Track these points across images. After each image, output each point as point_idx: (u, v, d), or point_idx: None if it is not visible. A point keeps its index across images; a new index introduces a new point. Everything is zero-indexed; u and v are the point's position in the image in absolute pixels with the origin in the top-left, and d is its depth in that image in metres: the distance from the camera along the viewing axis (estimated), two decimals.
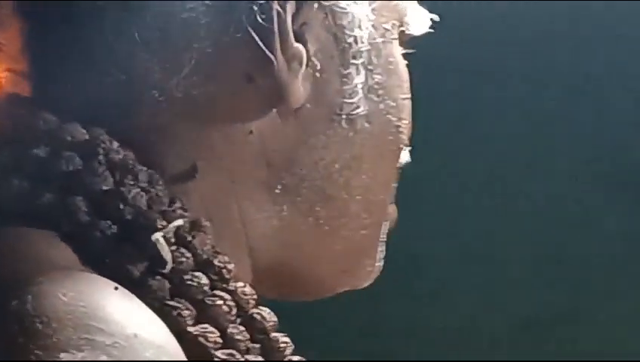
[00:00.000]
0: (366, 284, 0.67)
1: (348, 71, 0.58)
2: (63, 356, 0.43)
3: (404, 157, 0.66)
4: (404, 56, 0.62)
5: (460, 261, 2.30)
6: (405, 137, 0.63)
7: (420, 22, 0.65)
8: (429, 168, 1.97)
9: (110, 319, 0.45)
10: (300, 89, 0.56)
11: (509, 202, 2.33)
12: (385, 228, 0.64)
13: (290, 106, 0.56)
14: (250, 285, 0.56)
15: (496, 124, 2.30)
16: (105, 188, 0.52)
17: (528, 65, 2.36)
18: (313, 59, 0.57)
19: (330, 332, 2.20)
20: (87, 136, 0.53)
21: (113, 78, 0.55)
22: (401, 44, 0.63)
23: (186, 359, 0.49)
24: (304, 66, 0.56)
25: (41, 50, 0.57)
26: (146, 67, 0.55)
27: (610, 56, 2.34)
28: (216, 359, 0.53)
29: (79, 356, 0.43)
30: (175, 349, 0.49)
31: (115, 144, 0.53)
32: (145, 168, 0.54)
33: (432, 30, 0.65)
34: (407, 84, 0.63)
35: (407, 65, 0.62)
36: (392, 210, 0.66)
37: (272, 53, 0.54)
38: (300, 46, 0.56)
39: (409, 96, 0.63)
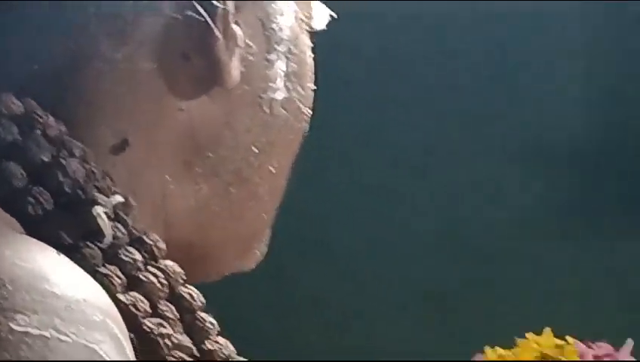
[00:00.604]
0: (252, 267, 0.71)
1: (271, 56, 0.62)
2: (18, 317, 0.45)
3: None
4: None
5: (366, 236, 2.43)
6: (303, 128, 0.67)
7: (321, 18, 0.69)
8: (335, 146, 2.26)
9: (62, 283, 0.48)
10: (236, 69, 0.59)
11: (418, 176, 2.47)
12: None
13: (226, 86, 0.58)
14: None
15: (407, 103, 2.50)
16: (45, 159, 0.54)
17: (438, 49, 2.54)
18: (247, 41, 0.60)
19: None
20: (22, 109, 0.56)
21: (59, 47, 0.57)
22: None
23: (124, 324, 0.52)
24: (239, 48, 0.60)
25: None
26: (93, 36, 0.57)
27: (523, 36, 2.53)
28: (145, 327, 0.55)
29: (34, 318, 0.45)
30: (116, 314, 0.51)
31: (51, 118, 0.56)
32: (79, 143, 0.56)
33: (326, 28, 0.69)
34: (313, 75, 0.67)
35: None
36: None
37: (214, 30, 0.57)
38: (237, 27, 0.59)
39: (314, 87, 0.67)
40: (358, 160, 2.55)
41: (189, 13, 0.57)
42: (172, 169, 0.61)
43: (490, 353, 1.51)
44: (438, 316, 2.50)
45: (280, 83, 0.64)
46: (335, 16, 0.69)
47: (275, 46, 0.63)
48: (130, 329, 0.55)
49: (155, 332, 0.57)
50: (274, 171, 0.65)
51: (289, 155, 0.68)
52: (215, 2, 0.59)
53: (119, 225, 0.56)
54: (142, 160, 0.60)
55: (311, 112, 0.67)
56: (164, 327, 0.57)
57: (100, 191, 0.56)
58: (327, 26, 0.71)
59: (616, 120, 2.54)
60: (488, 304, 2.36)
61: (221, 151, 0.62)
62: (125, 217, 0.57)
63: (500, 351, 1.51)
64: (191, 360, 0.60)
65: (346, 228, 2.51)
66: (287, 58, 0.64)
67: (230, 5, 0.59)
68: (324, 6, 0.70)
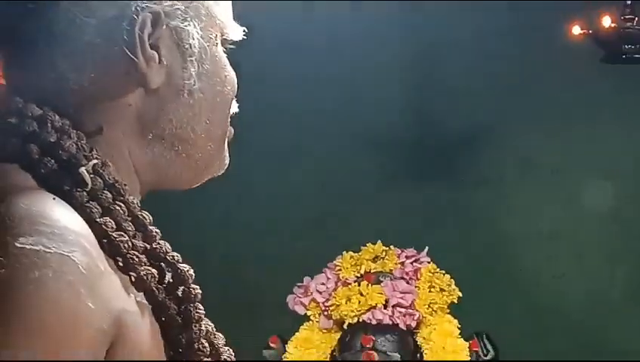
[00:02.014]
0: (222, 172, 1.02)
1: (185, 65, 0.91)
2: (20, 239, 0.72)
3: (234, 107, 1.02)
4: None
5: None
6: (230, 97, 0.98)
7: (236, 31, 1.00)
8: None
9: (50, 217, 0.75)
10: (155, 77, 0.88)
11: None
12: (228, 139, 1.00)
13: (151, 87, 0.88)
14: (141, 195, 0.93)
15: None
16: (52, 140, 0.84)
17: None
18: (163, 59, 0.88)
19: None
20: (40, 112, 0.85)
21: (51, 75, 0.87)
22: (224, 45, 0.98)
23: (97, 245, 0.80)
24: (157, 63, 0.88)
25: (11, 60, 0.91)
26: (64, 67, 0.86)
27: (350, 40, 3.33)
28: (112, 238, 0.84)
29: (30, 239, 0.72)
30: (88, 234, 0.80)
31: (57, 116, 0.85)
32: (75, 130, 0.85)
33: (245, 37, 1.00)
34: (227, 66, 0.98)
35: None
36: (229, 129, 1.02)
37: (137, 58, 0.86)
38: (154, 52, 0.87)
39: (230, 73, 0.98)
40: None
41: (124, 47, 0.86)
42: (132, 139, 0.91)
43: (346, 256, 2.49)
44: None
45: (194, 79, 0.93)
46: (246, 30, 1.02)
47: (189, 58, 0.92)
48: (101, 239, 0.83)
49: (118, 240, 0.84)
50: (207, 123, 0.95)
51: (219, 114, 0.98)
52: (137, 33, 0.87)
53: (98, 178, 0.84)
54: (113, 137, 0.89)
55: (230, 88, 0.97)
56: (124, 236, 0.85)
57: (86, 158, 0.84)
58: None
59: (424, 111, 3.33)
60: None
61: (161, 124, 0.92)
62: (102, 172, 0.85)
63: (351, 253, 2.49)
64: (144, 256, 0.89)
65: None
66: (199, 63, 0.93)
67: (146, 35, 0.87)
68: (236, 24, 1.00)
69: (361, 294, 2.61)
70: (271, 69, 3.33)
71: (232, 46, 1.04)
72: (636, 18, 2.67)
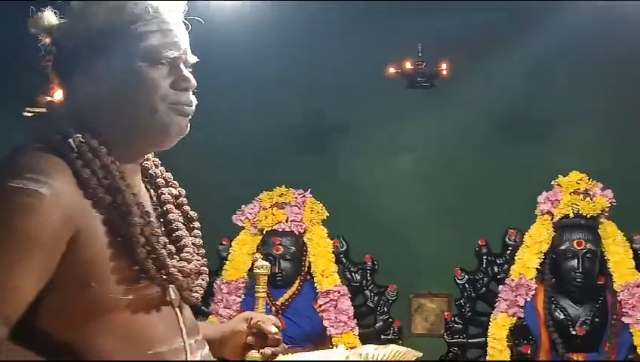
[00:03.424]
0: (184, 134, 1.54)
1: (91, 75, 1.49)
2: (13, 181, 1.36)
3: (188, 99, 1.53)
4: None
5: None
6: (154, 93, 1.49)
7: (170, 53, 1.52)
8: None
9: (33, 168, 1.38)
10: (86, 83, 1.49)
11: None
12: (169, 109, 1.50)
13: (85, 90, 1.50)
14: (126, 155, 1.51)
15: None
16: (61, 124, 1.46)
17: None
18: (84, 67, 1.48)
19: None
20: (60, 110, 1.52)
21: (81, 105, 1.49)
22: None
23: (70, 184, 1.42)
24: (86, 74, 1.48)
25: (64, 90, 1.53)
26: (76, 105, 1.49)
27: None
28: (84, 177, 1.43)
29: (18, 181, 1.36)
30: (62, 179, 1.40)
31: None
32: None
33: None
34: (144, 76, 1.49)
35: None
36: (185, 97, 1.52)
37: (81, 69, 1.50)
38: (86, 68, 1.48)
39: (149, 78, 1.49)
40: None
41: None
42: (104, 121, 1.48)
43: (265, 194, 4.17)
44: None
45: (101, 81, 1.48)
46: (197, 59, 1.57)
47: (93, 72, 1.48)
48: (78, 178, 1.41)
49: (87, 177, 1.42)
50: (133, 112, 1.49)
51: (142, 100, 1.49)
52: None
53: (84, 145, 1.44)
54: (100, 121, 1.48)
55: (149, 86, 1.47)
56: (93, 178, 1.43)
57: (74, 139, 1.44)
58: None
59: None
60: None
61: (106, 116, 1.49)
62: (89, 143, 1.44)
63: (268, 192, 4.15)
64: (103, 189, 1.45)
65: None
66: (118, 73, 1.48)
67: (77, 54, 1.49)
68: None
69: (273, 214, 4.10)
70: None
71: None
72: (424, 63, 4.28)
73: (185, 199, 1.68)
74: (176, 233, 1.62)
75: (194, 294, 1.59)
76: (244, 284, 4.21)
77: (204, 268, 1.64)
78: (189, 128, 1.58)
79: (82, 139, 1.48)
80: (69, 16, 1.57)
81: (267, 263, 2.05)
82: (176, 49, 1.56)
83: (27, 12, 1.57)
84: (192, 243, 1.64)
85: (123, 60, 1.51)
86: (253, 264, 2.24)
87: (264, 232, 4.23)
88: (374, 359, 1.73)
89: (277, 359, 1.82)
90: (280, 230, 4.17)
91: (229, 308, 4.12)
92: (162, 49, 1.55)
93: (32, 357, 1.43)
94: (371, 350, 1.76)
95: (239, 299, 4.16)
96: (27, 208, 1.39)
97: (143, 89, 1.52)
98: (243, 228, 4.26)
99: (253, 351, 1.86)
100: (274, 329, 1.85)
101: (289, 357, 1.83)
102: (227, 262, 4.23)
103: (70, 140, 1.47)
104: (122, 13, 1.54)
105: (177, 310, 1.59)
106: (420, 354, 1.74)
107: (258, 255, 1.99)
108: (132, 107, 1.53)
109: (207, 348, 1.67)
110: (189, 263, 1.58)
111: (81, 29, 1.55)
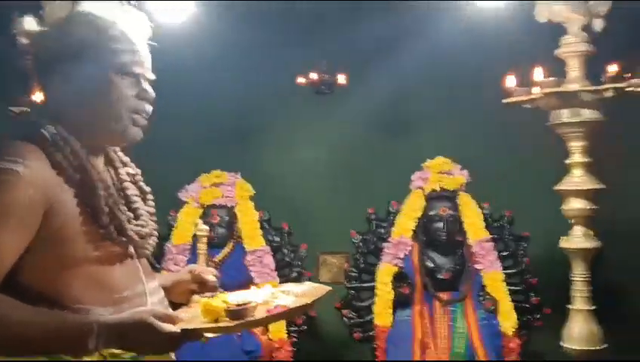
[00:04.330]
0: (137, 141, 1.70)
1: (66, 85, 1.62)
2: (4, 163, 1.52)
3: (146, 108, 1.70)
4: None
5: None
6: (120, 100, 1.63)
7: (131, 66, 1.67)
8: None
9: (16, 156, 1.53)
10: (63, 88, 1.63)
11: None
12: (126, 112, 1.66)
13: (57, 95, 1.65)
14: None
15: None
16: (35, 118, 1.64)
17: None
18: (58, 79, 1.61)
19: None
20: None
21: (55, 103, 1.65)
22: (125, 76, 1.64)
23: (44, 166, 1.55)
24: (60, 82, 1.63)
25: (40, 88, 1.67)
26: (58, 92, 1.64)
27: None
28: (56, 160, 1.57)
29: (7, 165, 1.51)
30: (38, 160, 1.57)
31: (60, 127, 1.62)
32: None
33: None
34: (115, 85, 1.63)
35: None
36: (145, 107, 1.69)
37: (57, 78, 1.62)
38: (59, 77, 1.61)
39: (118, 87, 1.63)
40: None
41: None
42: (76, 125, 1.62)
43: (204, 176, 5.00)
44: None
45: (71, 90, 1.59)
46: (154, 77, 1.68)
47: (68, 81, 1.59)
48: (54, 161, 1.57)
49: (59, 160, 1.57)
50: (104, 111, 1.62)
51: (111, 107, 1.63)
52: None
53: (57, 135, 1.59)
54: (66, 117, 1.62)
55: (113, 94, 1.59)
56: (63, 161, 1.57)
57: (48, 130, 1.58)
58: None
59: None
60: None
61: (77, 115, 1.61)
62: (61, 132, 1.60)
63: (206, 175, 4.84)
64: (73, 169, 1.59)
65: None
66: (79, 83, 1.58)
67: (54, 65, 1.62)
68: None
69: (212, 192, 4.68)
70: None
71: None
72: (327, 75, 4.75)
73: (140, 177, 1.83)
74: (134, 204, 1.76)
75: (146, 251, 1.76)
76: (189, 246, 4.66)
77: (155, 231, 1.79)
78: (141, 137, 1.72)
79: (54, 130, 1.61)
80: (54, 26, 1.65)
81: (207, 227, 2.33)
82: (141, 67, 1.70)
83: (9, 15, 1.64)
84: (147, 212, 1.79)
85: (98, 71, 1.61)
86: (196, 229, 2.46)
87: (204, 207, 4.72)
88: (294, 291, 1.88)
89: (224, 295, 1.85)
90: (217, 204, 4.71)
91: (177, 265, 4.62)
92: (131, 65, 1.67)
93: (22, 307, 1.51)
94: (292, 286, 1.93)
95: (185, 258, 4.64)
96: (7, 184, 1.50)
97: (113, 96, 1.64)
98: (186, 202, 4.78)
99: (195, 295, 2.00)
100: (212, 278, 2.00)
101: (232, 294, 1.87)
102: (174, 229, 4.74)
103: (44, 131, 1.60)
104: (103, 33, 1.65)
105: (137, 262, 1.74)
106: (330, 288, 1.86)
107: (200, 221, 2.23)
108: (102, 111, 1.66)
109: (162, 293, 1.81)
110: (143, 227, 1.74)
111: (64, 39, 1.63)
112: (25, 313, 1.48)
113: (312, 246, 5.04)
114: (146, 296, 1.70)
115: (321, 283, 5.14)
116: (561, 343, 4.08)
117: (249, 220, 4.77)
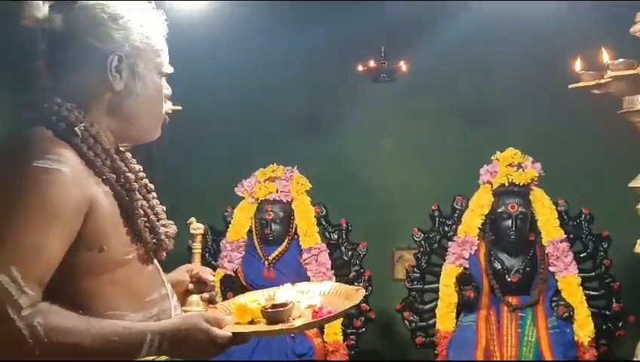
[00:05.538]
0: (155, 138, 1.73)
1: (134, 81, 1.64)
2: (36, 161, 1.49)
3: (167, 106, 1.75)
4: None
5: None
6: (158, 98, 1.69)
7: (168, 67, 1.71)
8: None
9: (53, 151, 1.52)
10: (117, 85, 1.62)
11: None
12: (163, 123, 1.73)
13: (115, 90, 1.63)
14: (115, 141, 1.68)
15: None
16: (64, 114, 1.58)
17: None
18: (123, 76, 1.62)
19: None
20: (59, 100, 1.59)
21: (67, 81, 1.62)
22: (159, 74, 1.68)
23: (81, 165, 1.55)
24: (119, 78, 1.62)
25: (48, 72, 1.63)
26: (75, 77, 1.61)
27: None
28: (91, 159, 1.57)
29: (39, 161, 1.49)
30: (75, 159, 1.55)
31: (68, 103, 1.59)
32: (77, 109, 1.60)
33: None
34: (158, 83, 1.68)
35: None
36: (164, 117, 1.72)
37: (110, 74, 1.60)
38: (117, 73, 1.62)
39: (158, 86, 1.68)
40: None
41: (105, 69, 1.59)
42: (107, 116, 1.63)
43: (260, 171, 4.87)
44: None
45: (138, 88, 1.62)
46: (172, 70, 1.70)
47: (137, 78, 1.62)
48: (86, 161, 1.56)
49: (93, 159, 1.57)
50: (145, 110, 1.65)
51: (152, 105, 1.66)
52: (109, 64, 1.59)
53: (87, 132, 1.59)
54: (97, 114, 1.61)
55: (159, 92, 1.65)
56: (97, 159, 1.58)
57: (79, 123, 1.58)
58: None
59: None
60: None
61: (121, 109, 1.63)
62: (90, 130, 1.59)
63: (262, 169, 4.74)
64: (108, 169, 1.61)
65: None
66: (141, 80, 1.63)
67: (114, 65, 1.59)
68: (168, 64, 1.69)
69: (266, 187, 4.55)
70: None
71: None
72: (385, 62, 4.57)
73: (143, 173, 1.82)
74: (153, 202, 1.78)
75: (166, 251, 1.78)
76: (243, 243, 4.60)
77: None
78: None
79: (84, 127, 1.62)
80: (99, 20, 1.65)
81: (201, 225, 2.23)
82: (168, 66, 1.77)
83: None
84: (163, 210, 1.80)
85: (142, 70, 1.68)
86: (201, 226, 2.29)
87: (259, 201, 4.60)
88: (307, 290, 1.92)
89: (239, 298, 1.95)
90: (271, 199, 4.56)
91: (232, 262, 4.58)
92: (166, 65, 1.76)
93: (68, 315, 1.52)
94: (305, 285, 1.96)
95: (240, 255, 4.57)
96: (53, 184, 1.50)
97: (156, 98, 1.71)
98: (242, 198, 4.67)
99: (192, 295, 2.00)
100: (211, 278, 2.00)
101: (246, 295, 1.99)
102: (230, 226, 4.63)
103: (75, 128, 1.61)
104: (147, 32, 1.70)
105: (157, 264, 1.76)
106: (363, 290, 1.85)
107: (194, 219, 2.21)
108: (145, 110, 1.71)
109: (175, 295, 1.84)
110: (167, 228, 1.77)
111: (112, 37, 1.65)
112: (79, 322, 1.48)
113: (381, 242, 4.94)
114: (169, 298, 1.71)
115: (397, 280, 5.23)
116: (635, 359, 3.60)
117: (305, 216, 4.60)
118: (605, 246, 4.44)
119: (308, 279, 4.38)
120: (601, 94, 3.61)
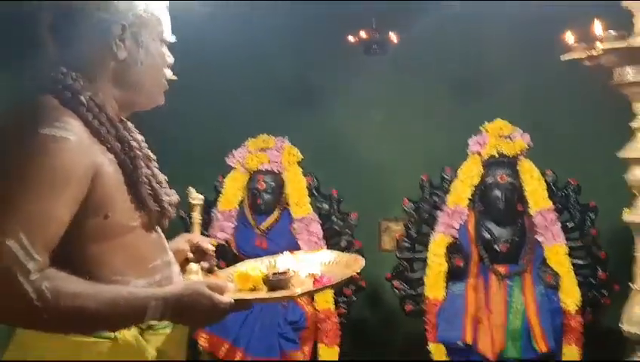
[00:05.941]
0: (159, 105, 1.76)
1: (138, 50, 1.66)
2: (44, 130, 1.49)
3: (168, 74, 1.74)
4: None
5: None
6: (161, 66, 1.71)
7: (169, 35, 1.73)
8: None
9: (57, 122, 1.52)
10: (121, 54, 1.65)
11: None
12: (163, 88, 1.75)
13: (119, 59, 1.65)
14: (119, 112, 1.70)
15: None
16: (69, 83, 1.60)
17: None
18: (126, 45, 1.64)
19: None
20: (65, 70, 1.62)
21: (72, 51, 1.63)
22: (163, 41, 1.71)
23: (86, 133, 1.56)
24: (122, 48, 1.64)
25: (54, 42, 1.62)
26: (79, 46, 1.62)
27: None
28: (96, 128, 1.59)
29: (46, 130, 1.50)
30: (80, 126, 1.57)
31: (74, 73, 1.61)
32: (82, 79, 1.62)
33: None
34: (160, 50, 1.71)
35: None
36: (164, 83, 1.73)
37: (113, 43, 1.62)
38: (120, 42, 1.63)
39: (161, 54, 1.71)
40: None
41: (108, 38, 1.61)
42: (111, 84, 1.65)
43: (250, 141, 4.86)
44: None
45: (141, 56, 1.64)
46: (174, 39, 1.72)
47: (139, 46, 1.64)
48: (92, 129, 1.58)
49: (97, 127, 1.58)
50: (148, 78, 1.67)
51: (156, 73, 1.69)
52: (113, 33, 1.61)
53: (92, 101, 1.60)
54: (102, 83, 1.63)
55: (162, 61, 1.68)
56: (102, 127, 1.59)
57: (85, 92, 1.59)
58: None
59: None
60: None
61: (125, 77, 1.65)
62: (94, 99, 1.60)
63: (252, 139, 4.77)
64: (113, 137, 1.61)
65: None
66: (145, 49, 1.64)
67: (117, 34, 1.62)
68: (169, 32, 1.70)
69: (257, 157, 4.55)
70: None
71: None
72: (377, 33, 4.54)
73: (145, 143, 1.83)
74: (155, 170, 1.80)
75: (169, 219, 1.82)
76: (235, 213, 4.59)
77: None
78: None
79: (89, 96, 1.64)
80: None
81: (201, 196, 2.29)
82: (169, 34, 1.80)
83: None
84: (165, 180, 1.82)
85: (145, 39, 1.70)
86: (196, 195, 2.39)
87: (250, 172, 4.59)
88: (307, 259, 1.95)
89: (240, 265, 1.99)
90: (263, 169, 4.56)
91: (223, 232, 4.56)
92: (168, 33, 1.78)
93: (76, 280, 1.54)
94: (304, 254, 2.00)
95: (232, 225, 4.57)
96: (60, 151, 1.51)
97: (159, 65, 1.74)
98: (233, 168, 4.65)
99: (192, 263, 2.05)
100: (211, 247, 2.05)
101: (246, 263, 2.03)
102: (221, 195, 4.62)
103: (81, 97, 1.63)
104: (150, 2, 1.74)
105: (160, 231, 1.80)
106: (362, 259, 1.89)
107: (192, 189, 2.22)
108: (151, 76, 1.73)
109: (177, 263, 1.87)
110: (170, 196, 1.80)
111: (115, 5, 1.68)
112: (85, 286, 1.50)
113: (369, 212, 4.91)
114: (170, 265, 1.74)
115: (383, 250, 5.27)
116: (621, 325, 3.66)
117: (297, 186, 4.60)
118: (592, 216, 4.47)
119: (299, 248, 4.36)
120: (592, 66, 3.63)
